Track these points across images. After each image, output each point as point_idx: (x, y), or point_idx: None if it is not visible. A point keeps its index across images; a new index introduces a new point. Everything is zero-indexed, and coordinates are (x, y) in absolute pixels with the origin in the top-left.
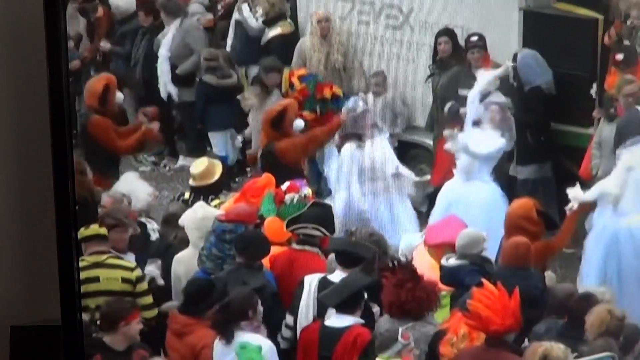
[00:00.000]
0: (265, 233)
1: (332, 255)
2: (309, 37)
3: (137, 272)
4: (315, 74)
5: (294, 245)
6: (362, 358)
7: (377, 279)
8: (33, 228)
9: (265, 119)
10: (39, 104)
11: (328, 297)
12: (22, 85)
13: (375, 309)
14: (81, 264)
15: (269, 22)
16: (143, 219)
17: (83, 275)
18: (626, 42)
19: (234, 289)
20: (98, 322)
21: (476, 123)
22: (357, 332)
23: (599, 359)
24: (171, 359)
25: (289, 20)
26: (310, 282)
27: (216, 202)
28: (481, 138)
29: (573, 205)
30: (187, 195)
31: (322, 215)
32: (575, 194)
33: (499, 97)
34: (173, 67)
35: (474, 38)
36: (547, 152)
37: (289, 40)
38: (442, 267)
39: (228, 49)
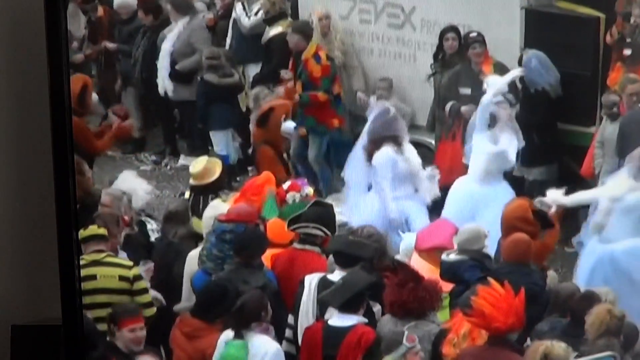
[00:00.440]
0: (266, 233)
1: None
2: None
3: (135, 271)
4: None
5: (295, 245)
6: (367, 357)
7: (378, 277)
8: (34, 227)
9: (253, 118)
10: (39, 104)
11: (331, 298)
12: (23, 85)
13: (377, 307)
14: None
15: (270, 20)
16: (142, 218)
17: (81, 273)
18: (628, 41)
19: (245, 291)
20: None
21: (491, 124)
22: (361, 332)
23: (601, 359)
24: (177, 357)
25: (289, 19)
26: (310, 281)
27: (218, 200)
28: (500, 138)
29: (551, 207)
30: (187, 194)
31: (323, 214)
32: (554, 196)
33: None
34: (173, 63)
35: (473, 34)
36: (554, 153)
37: None
38: (442, 262)
39: (227, 47)
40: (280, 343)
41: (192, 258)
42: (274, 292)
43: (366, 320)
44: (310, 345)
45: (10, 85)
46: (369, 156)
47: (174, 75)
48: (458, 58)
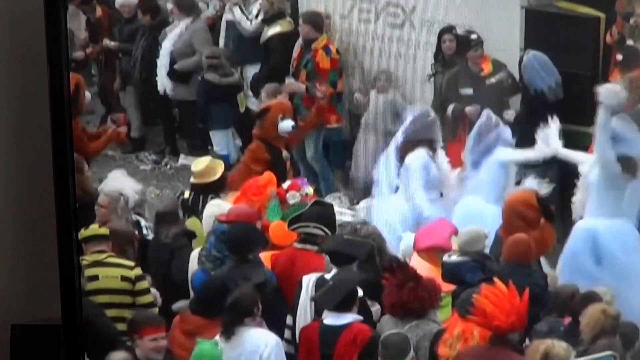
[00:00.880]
0: (265, 233)
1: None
2: None
3: (137, 271)
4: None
5: (295, 245)
6: (363, 355)
7: (374, 276)
8: (34, 226)
9: (253, 115)
10: (39, 103)
11: (323, 300)
12: (22, 84)
13: (375, 307)
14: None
15: (268, 20)
16: (134, 217)
17: (84, 274)
18: (629, 42)
19: (238, 286)
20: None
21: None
22: (357, 330)
23: (600, 359)
24: (179, 356)
25: (288, 18)
26: (308, 281)
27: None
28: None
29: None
30: (187, 194)
31: (324, 214)
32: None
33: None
34: (172, 62)
35: (474, 36)
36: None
37: (289, 39)
38: (443, 264)
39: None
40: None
41: (194, 256)
42: (274, 288)
43: (361, 317)
44: (308, 345)
45: (10, 84)
46: (402, 157)
47: (173, 74)
48: (458, 58)
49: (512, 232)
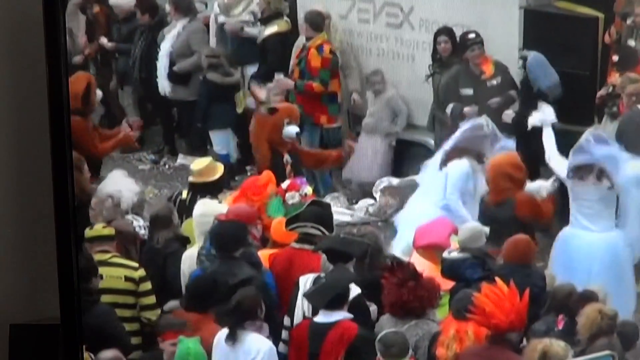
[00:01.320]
0: (271, 233)
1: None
2: None
3: (141, 272)
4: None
5: (293, 244)
6: (350, 352)
7: (371, 276)
8: (32, 226)
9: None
10: (38, 103)
11: (314, 297)
12: (22, 84)
13: (373, 307)
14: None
15: (265, 20)
16: (130, 216)
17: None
18: (630, 42)
19: (235, 284)
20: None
21: None
22: (344, 327)
23: (599, 358)
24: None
25: (285, 18)
26: (306, 282)
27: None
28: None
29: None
30: (184, 194)
31: (321, 214)
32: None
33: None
34: (171, 64)
35: (471, 35)
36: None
37: (286, 39)
38: (443, 260)
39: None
40: (273, 339)
41: (188, 258)
42: (261, 285)
43: (351, 316)
44: (298, 343)
45: (9, 84)
46: (445, 162)
47: (172, 75)
48: (456, 59)
49: (500, 196)
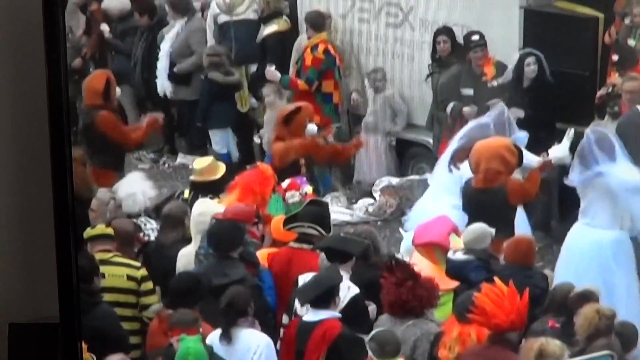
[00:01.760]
0: (271, 231)
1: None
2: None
3: (143, 272)
4: (336, 63)
5: (292, 244)
6: (331, 350)
7: (370, 275)
8: (32, 225)
9: (280, 115)
10: (38, 102)
11: (302, 294)
12: (21, 84)
13: (372, 307)
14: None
15: (265, 19)
16: (142, 219)
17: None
18: (630, 42)
19: (224, 284)
20: None
21: None
22: (327, 326)
23: (598, 358)
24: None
25: (284, 17)
26: (304, 281)
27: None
28: None
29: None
30: (186, 194)
31: (319, 213)
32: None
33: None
34: (172, 64)
35: (475, 37)
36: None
37: (286, 38)
38: (448, 260)
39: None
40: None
41: (184, 256)
42: (252, 285)
43: (339, 315)
44: (287, 341)
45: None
46: (454, 162)
47: (173, 76)
48: (455, 59)
49: (491, 181)
